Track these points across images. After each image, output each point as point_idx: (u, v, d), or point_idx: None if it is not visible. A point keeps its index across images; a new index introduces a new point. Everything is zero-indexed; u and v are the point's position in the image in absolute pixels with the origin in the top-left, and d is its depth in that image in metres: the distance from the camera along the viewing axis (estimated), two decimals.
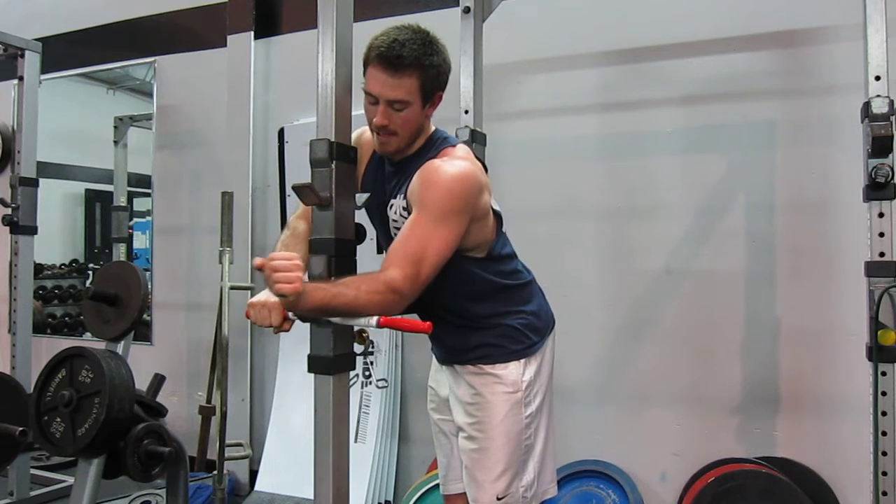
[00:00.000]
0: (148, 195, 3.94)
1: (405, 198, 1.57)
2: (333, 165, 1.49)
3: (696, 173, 2.62)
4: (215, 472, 2.92)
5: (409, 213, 1.54)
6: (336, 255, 1.50)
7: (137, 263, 3.24)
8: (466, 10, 2.43)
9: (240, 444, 3.15)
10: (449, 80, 1.62)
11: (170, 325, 3.72)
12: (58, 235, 4.82)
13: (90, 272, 4.77)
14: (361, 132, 1.68)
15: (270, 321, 1.46)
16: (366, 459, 2.87)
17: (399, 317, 1.47)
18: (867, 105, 1.80)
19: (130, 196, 4.26)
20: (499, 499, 1.61)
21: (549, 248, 2.72)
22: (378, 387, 2.99)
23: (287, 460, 3.11)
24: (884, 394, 1.79)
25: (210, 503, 2.98)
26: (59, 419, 2.14)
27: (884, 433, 1.79)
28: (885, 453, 1.79)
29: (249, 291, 3.15)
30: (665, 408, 2.64)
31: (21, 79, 3.23)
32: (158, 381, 2.35)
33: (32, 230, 3.23)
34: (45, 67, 3.36)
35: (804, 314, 2.46)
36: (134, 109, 4.26)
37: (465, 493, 1.74)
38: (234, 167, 3.42)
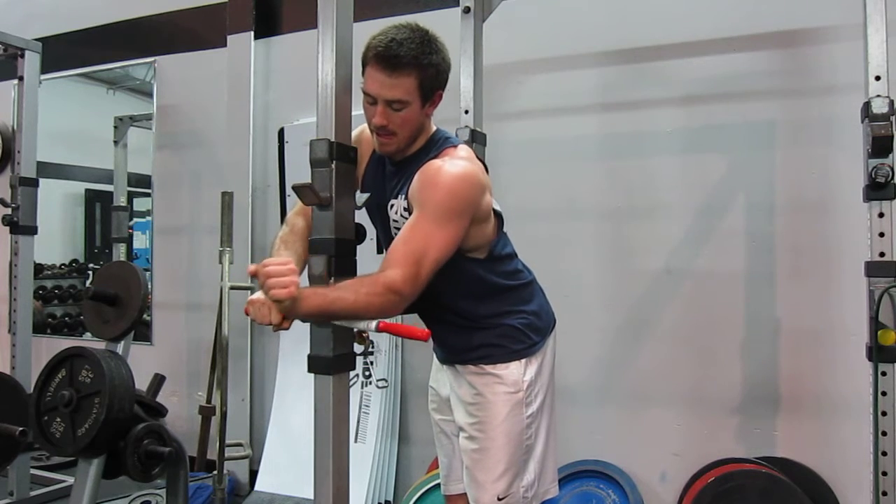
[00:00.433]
0: (148, 195, 3.94)
1: (406, 198, 1.57)
2: (333, 165, 1.49)
3: (696, 173, 2.62)
4: (215, 472, 2.91)
5: (410, 214, 1.54)
6: (336, 255, 1.50)
7: (137, 263, 3.24)
8: (466, 10, 2.43)
9: (240, 444, 3.15)
10: (449, 80, 1.61)
11: (170, 325, 3.72)
12: (58, 235, 4.82)
13: (90, 272, 4.77)
14: (361, 130, 1.68)
15: (270, 319, 1.45)
16: (366, 459, 2.87)
17: (398, 322, 1.46)
18: (867, 105, 1.80)
19: (130, 196, 4.25)
20: (500, 499, 1.61)
21: (549, 249, 2.72)
22: (378, 387, 2.99)
23: (287, 460, 3.11)
24: (884, 394, 1.79)
25: (210, 503, 2.98)
26: (59, 419, 2.14)
27: (884, 433, 1.79)
28: (885, 453, 1.79)
29: (249, 291, 3.14)
30: (665, 408, 2.64)
31: (21, 79, 3.23)
32: (158, 381, 2.35)
33: (32, 230, 3.23)
34: (45, 67, 3.36)
35: (804, 314, 2.46)
36: (134, 109, 4.26)
37: (466, 494, 1.74)
38: (234, 167, 3.42)
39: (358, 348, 1.59)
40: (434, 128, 1.66)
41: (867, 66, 1.82)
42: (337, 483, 1.51)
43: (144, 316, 3.28)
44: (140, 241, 4.32)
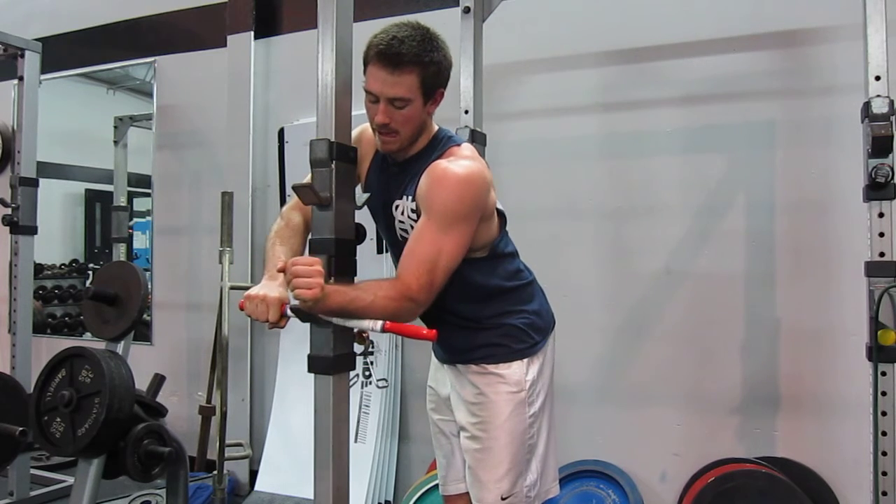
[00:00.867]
0: (148, 195, 3.94)
1: (413, 199, 1.56)
2: (333, 165, 1.49)
3: (696, 173, 2.62)
4: (215, 472, 2.92)
5: (418, 216, 1.54)
6: (336, 255, 1.50)
7: (137, 263, 3.24)
8: (466, 10, 2.43)
9: (240, 444, 3.15)
10: (450, 79, 1.61)
11: (170, 325, 3.72)
12: (58, 235, 4.82)
13: (90, 272, 4.77)
14: (362, 130, 1.67)
15: (267, 317, 1.45)
16: (366, 459, 2.87)
17: (404, 323, 1.47)
18: (867, 105, 1.80)
19: (130, 196, 4.26)
20: (503, 498, 1.61)
21: (549, 249, 2.72)
22: (378, 387, 2.99)
23: (287, 460, 3.11)
24: (884, 394, 1.79)
25: (210, 503, 2.98)
26: (59, 419, 2.14)
27: (884, 433, 1.79)
28: (885, 453, 1.79)
29: None
30: (665, 408, 2.64)
31: (21, 79, 3.23)
32: (158, 381, 2.35)
33: (32, 230, 3.23)
34: (45, 67, 3.36)
35: (804, 314, 2.46)
36: (134, 109, 4.26)
37: (465, 494, 1.74)
38: (234, 167, 3.42)
39: (358, 348, 1.59)
40: (436, 127, 1.65)
41: (867, 66, 1.82)
42: (337, 483, 1.51)
43: (144, 316, 3.28)
44: (140, 241, 4.33)
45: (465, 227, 1.50)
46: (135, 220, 4.36)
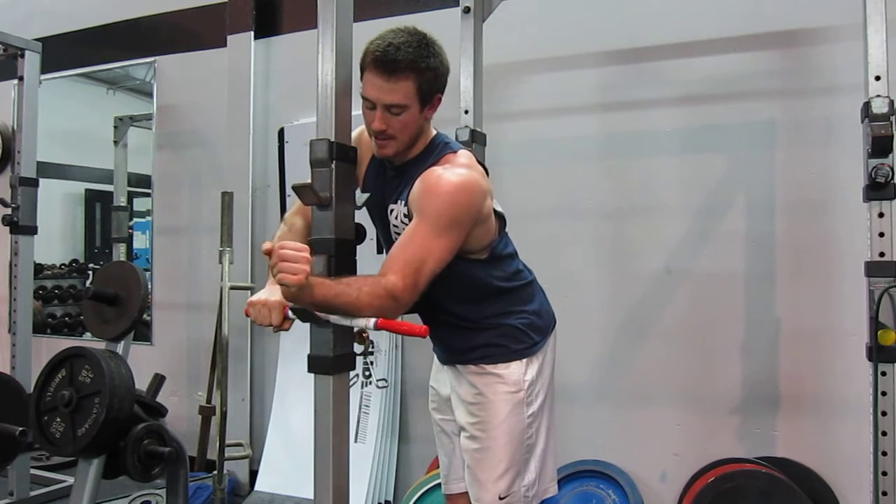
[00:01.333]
0: (148, 195, 3.94)
1: (406, 204, 1.57)
2: (333, 165, 1.49)
3: (696, 173, 2.62)
4: (215, 472, 2.92)
5: (410, 220, 1.54)
6: (336, 255, 1.50)
7: (137, 263, 3.24)
8: (466, 10, 2.43)
9: (240, 444, 3.15)
10: (449, 81, 1.61)
11: (170, 325, 3.72)
12: (58, 235, 4.82)
13: (90, 272, 4.77)
14: (361, 132, 1.67)
15: (270, 320, 1.47)
16: (366, 459, 2.87)
17: (396, 319, 1.47)
18: (867, 105, 1.80)
19: (130, 196, 4.26)
20: (501, 498, 1.62)
21: (549, 249, 2.71)
22: (378, 387, 2.99)
23: (287, 460, 3.11)
24: (884, 394, 1.79)
25: (210, 503, 2.98)
26: (59, 419, 2.14)
27: (884, 433, 1.79)
28: (885, 453, 1.79)
29: (249, 291, 3.15)
30: (665, 408, 2.64)
31: (21, 79, 3.23)
32: (158, 381, 2.35)
33: (32, 230, 3.23)
34: (45, 67, 3.36)
35: (804, 314, 2.46)
36: (134, 109, 4.27)
37: (466, 493, 1.74)
38: (234, 167, 3.42)
39: (358, 348, 1.60)
40: (434, 132, 1.65)
41: (867, 66, 1.82)
42: (337, 483, 1.51)
43: (144, 316, 3.28)
44: (140, 241, 4.33)
45: (456, 233, 1.49)
46: (135, 220, 4.37)
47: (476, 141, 2.38)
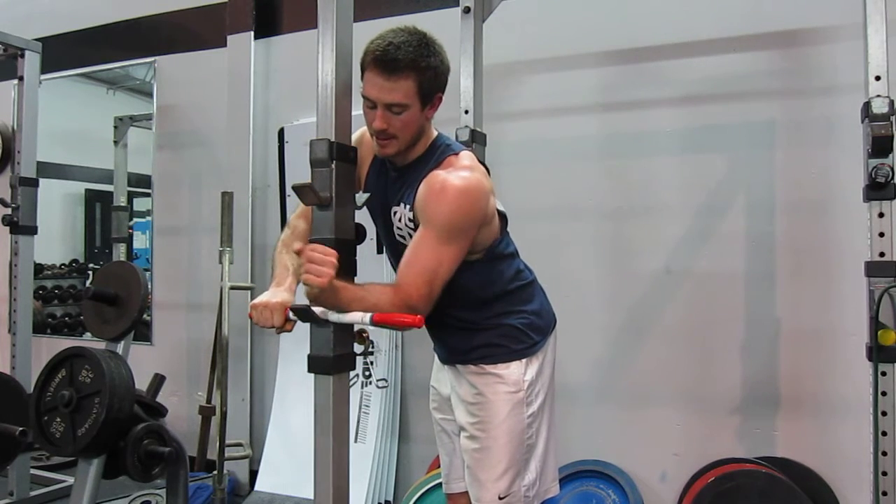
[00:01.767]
0: (148, 195, 3.94)
1: (411, 209, 1.57)
2: (333, 165, 1.49)
3: (696, 173, 2.62)
4: (215, 472, 2.92)
5: (416, 225, 1.55)
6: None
7: (137, 263, 3.24)
8: (466, 10, 2.42)
9: (240, 444, 3.15)
10: (449, 81, 1.61)
11: (170, 325, 3.72)
12: (58, 235, 4.82)
13: (90, 272, 4.77)
14: (363, 132, 1.67)
15: (272, 322, 1.48)
16: (366, 459, 2.87)
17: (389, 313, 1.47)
18: (867, 105, 1.80)
19: (130, 196, 4.26)
20: (501, 498, 1.62)
21: (549, 249, 2.71)
22: (378, 387, 2.99)
23: (287, 460, 3.11)
24: (884, 394, 1.79)
25: (210, 503, 2.98)
26: (59, 419, 2.14)
27: (884, 433, 1.79)
28: (885, 453, 1.79)
29: (249, 292, 3.15)
30: (665, 408, 2.64)
31: (21, 79, 3.23)
32: (158, 381, 2.36)
33: (32, 230, 3.23)
34: (45, 67, 3.36)
35: (804, 314, 2.46)
36: (134, 109, 4.27)
37: (467, 493, 1.74)
38: (234, 167, 3.42)
39: (358, 348, 1.59)
40: (435, 133, 1.65)
41: (867, 66, 1.82)
42: (337, 483, 1.51)
43: (144, 316, 3.28)
44: (140, 241, 4.33)
45: (464, 239, 1.52)
46: (135, 220, 4.37)
47: (476, 141, 2.38)
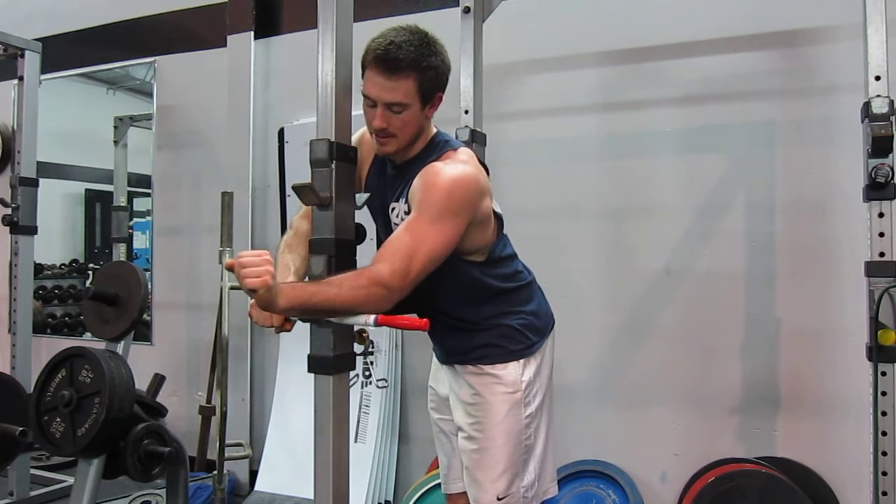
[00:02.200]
0: (148, 195, 3.94)
1: (406, 202, 1.57)
2: (333, 165, 1.49)
3: (696, 173, 2.62)
4: (215, 472, 2.91)
5: None
6: (336, 255, 1.50)
7: (137, 263, 3.24)
8: (466, 10, 2.42)
9: (240, 444, 3.15)
10: (449, 81, 1.61)
11: (170, 325, 3.72)
12: (58, 235, 4.82)
13: (90, 272, 4.77)
14: (363, 133, 1.67)
15: (272, 321, 1.48)
16: (366, 459, 2.87)
17: (397, 315, 1.46)
18: (867, 105, 1.80)
19: (130, 196, 4.26)
20: (499, 499, 1.61)
21: (549, 249, 2.71)
22: (378, 387, 2.99)
23: (287, 460, 3.11)
24: (884, 394, 1.79)
25: (210, 503, 2.98)
26: (59, 419, 2.14)
27: (884, 433, 1.79)
28: (885, 453, 1.79)
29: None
30: (665, 408, 2.64)
31: (21, 79, 3.23)
32: (158, 381, 2.35)
33: (32, 230, 3.23)
34: (45, 67, 3.36)
35: (804, 314, 2.46)
36: (134, 109, 4.26)
37: (466, 493, 1.74)
38: (234, 167, 3.42)
39: (358, 348, 1.59)
40: (434, 130, 1.65)
41: (867, 66, 1.82)
42: (337, 483, 1.51)
43: (144, 316, 3.28)
44: (140, 241, 4.33)
45: (451, 222, 1.47)
46: (135, 220, 4.36)
47: (476, 141, 2.38)
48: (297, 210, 1.73)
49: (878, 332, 1.79)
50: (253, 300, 1.44)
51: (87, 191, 4.90)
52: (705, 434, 2.58)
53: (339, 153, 1.50)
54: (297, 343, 3.05)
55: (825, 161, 2.43)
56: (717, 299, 2.57)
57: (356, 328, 1.57)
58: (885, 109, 1.77)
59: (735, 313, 2.55)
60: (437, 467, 1.93)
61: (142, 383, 2.28)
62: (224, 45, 3.48)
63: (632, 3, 2.71)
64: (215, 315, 3.03)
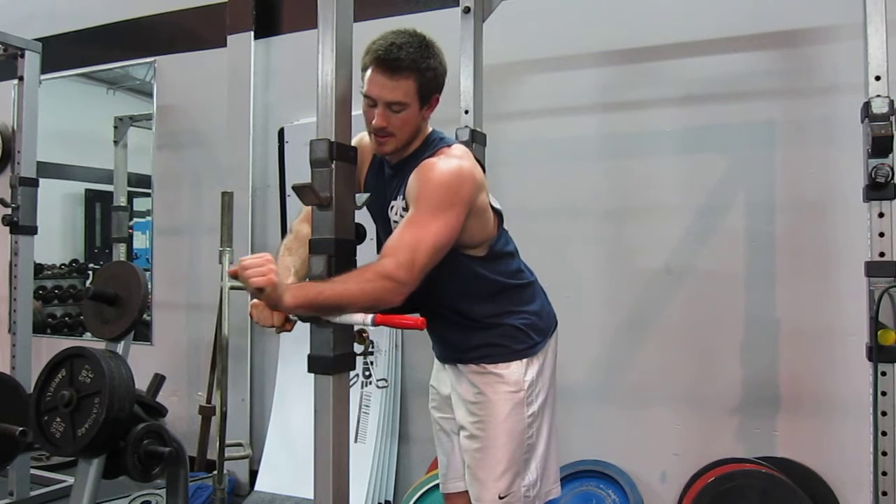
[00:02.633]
0: (148, 195, 3.94)
1: (404, 199, 1.58)
2: (333, 165, 1.49)
3: (696, 173, 2.62)
4: (215, 472, 2.92)
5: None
6: (336, 255, 1.50)
7: (137, 263, 3.24)
8: (466, 10, 2.42)
9: (240, 444, 3.15)
10: (448, 81, 1.64)
11: (170, 325, 3.72)
12: (58, 235, 4.82)
13: (90, 272, 4.77)
14: (361, 136, 1.69)
15: (272, 321, 1.47)
16: (366, 459, 2.87)
17: (393, 314, 1.46)
18: (867, 105, 1.80)
19: (130, 196, 4.26)
20: (501, 497, 1.62)
21: (549, 249, 2.71)
22: (378, 387, 2.99)
23: (287, 460, 3.11)
24: (884, 394, 1.79)
25: (210, 503, 2.98)
26: (59, 419, 2.14)
27: (884, 433, 1.79)
28: (885, 453, 1.79)
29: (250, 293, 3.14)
30: (665, 408, 2.64)
31: (21, 79, 3.23)
32: (158, 381, 2.36)
33: (32, 230, 3.23)
34: (45, 67, 3.36)
35: (804, 314, 2.46)
36: (134, 109, 4.26)
37: (464, 493, 1.75)
38: (234, 167, 3.42)
39: (358, 348, 1.59)
40: (430, 129, 1.68)
41: (867, 66, 1.82)
42: (337, 483, 1.51)
43: (144, 316, 3.28)
44: (140, 241, 4.33)
45: (451, 213, 1.49)
46: (135, 220, 4.36)
47: (476, 141, 2.38)
48: (298, 210, 1.74)
49: (878, 332, 1.79)
50: (254, 300, 1.45)
51: (87, 191, 4.90)
52: (705, 434, 2.58)
53: (339, 153, 1.50)
54: (297, 343, 3.05)
55: (825, 161, 2.43)
56: (717, 299, 2.57)
57: (356, 328, 1.57)
58: (885, 109, 1.77)
59: (735, 313, 2.55)
60: (437, 467, 1.93)
61: (142, 383, 2.28)
62: (224, 45, 3.48)
63: (632, 3, 2.71)
64: (215, 315, 3.03)
